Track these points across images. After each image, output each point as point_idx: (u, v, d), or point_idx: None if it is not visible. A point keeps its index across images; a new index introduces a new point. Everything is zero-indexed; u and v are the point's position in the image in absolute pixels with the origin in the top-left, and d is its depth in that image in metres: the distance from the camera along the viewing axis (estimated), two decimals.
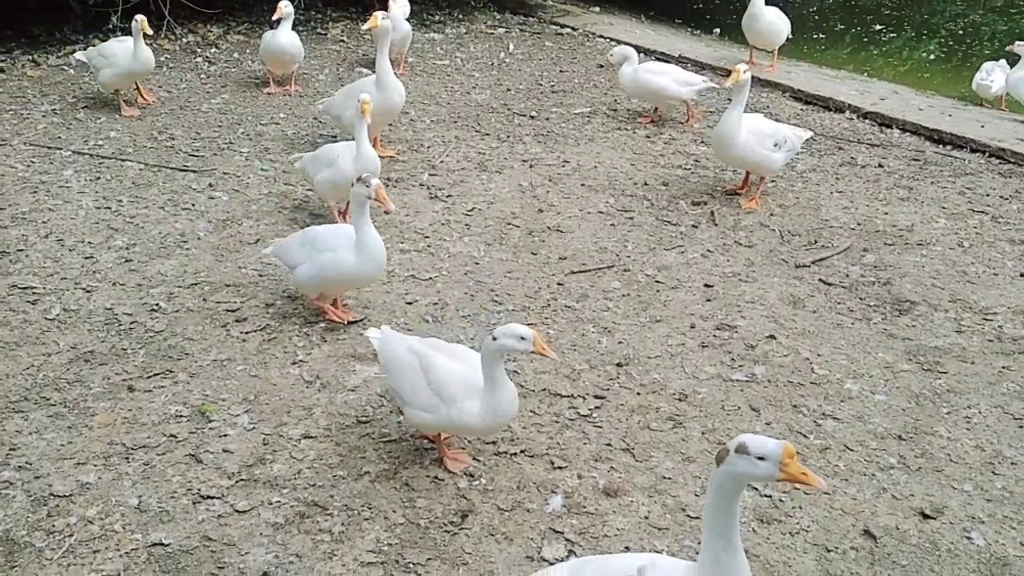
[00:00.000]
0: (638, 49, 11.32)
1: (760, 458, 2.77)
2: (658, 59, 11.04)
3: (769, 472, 2.78)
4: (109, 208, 6.89)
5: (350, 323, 5.51)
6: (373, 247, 5.17)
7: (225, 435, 4.53)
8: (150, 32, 8.40)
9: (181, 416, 4.66)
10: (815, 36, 13.33)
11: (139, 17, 8.24)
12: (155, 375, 4.99)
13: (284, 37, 9.11)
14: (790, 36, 10.34)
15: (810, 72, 10.92)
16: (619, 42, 11.56)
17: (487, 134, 8.63)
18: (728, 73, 10.37)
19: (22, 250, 6.24)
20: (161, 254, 6.27)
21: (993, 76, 9.86)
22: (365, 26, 7.47)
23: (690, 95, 8.79)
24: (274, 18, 9.10)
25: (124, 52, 8.40)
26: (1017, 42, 9.65)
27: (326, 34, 11.69)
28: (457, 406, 4.04)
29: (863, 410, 4.81)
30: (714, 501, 2.85)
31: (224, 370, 5.05)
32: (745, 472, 2.79)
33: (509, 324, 3.89)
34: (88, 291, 5.79)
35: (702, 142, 8.49)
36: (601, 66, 10.53)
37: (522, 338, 3.85)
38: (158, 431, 4.54)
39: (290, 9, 9.06)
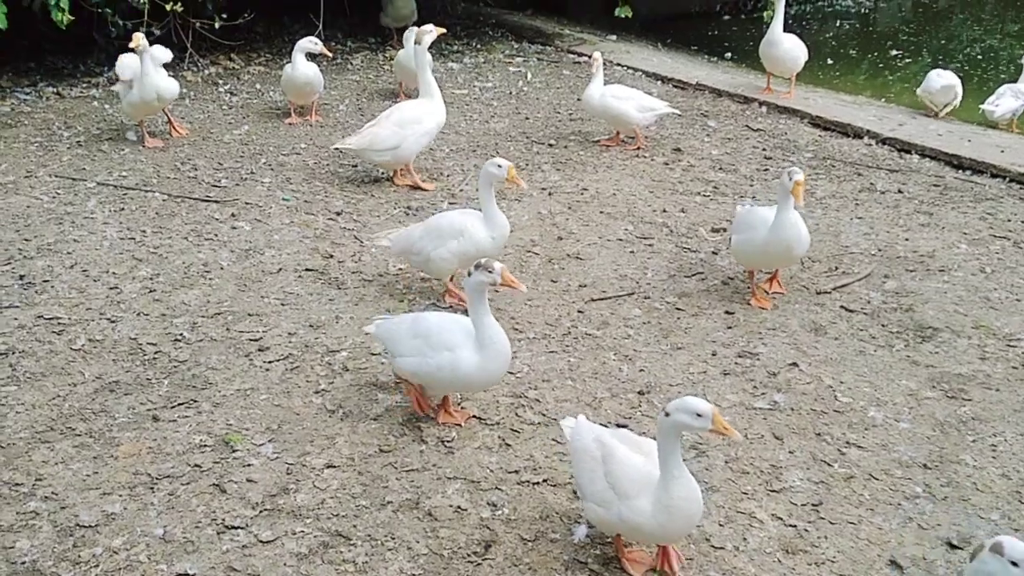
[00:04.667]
0: (656, 77, 11.42)
1: (1014, 563, 2.75)
2: (675, 86, 11.09)
3: None
4: (133, 239, 6.97)
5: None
6: (498, 343, 4.51)
7: (249, 465, 4.55)
8: (143, 45, 8.18)
9: (205, 446, 4.69)
10: (831, 62, 13.34)
11: (136, 35, 8.19)
12: (179, 405, 5.02)
13: (304, 68, 9.20)
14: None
15: (828, 98, 10.93)
16: (636, 70, 11.63)
17: None
18: (746, 100, 10.44)
19: (47, 281, 6.31)
20: (184, 284, 6.33)
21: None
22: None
23: (650, 121, 8.91)
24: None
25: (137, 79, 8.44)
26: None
27: (346, 65, 11.81)
28: (628, 503, 3.63)
29: (887, 438, 4.78)
30: None
31: (247, 399, 5.08)
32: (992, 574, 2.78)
33: (685, 398, 3.52)
34: (113, 321, 5.85)
35: (720, 168, 8.51)
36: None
37: (698, 415, 3.44)
38: (182, 461, 4.57)
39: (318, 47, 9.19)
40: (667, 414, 3.51)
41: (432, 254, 5.86)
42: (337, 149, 8.05)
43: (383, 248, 6.21)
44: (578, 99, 10.12)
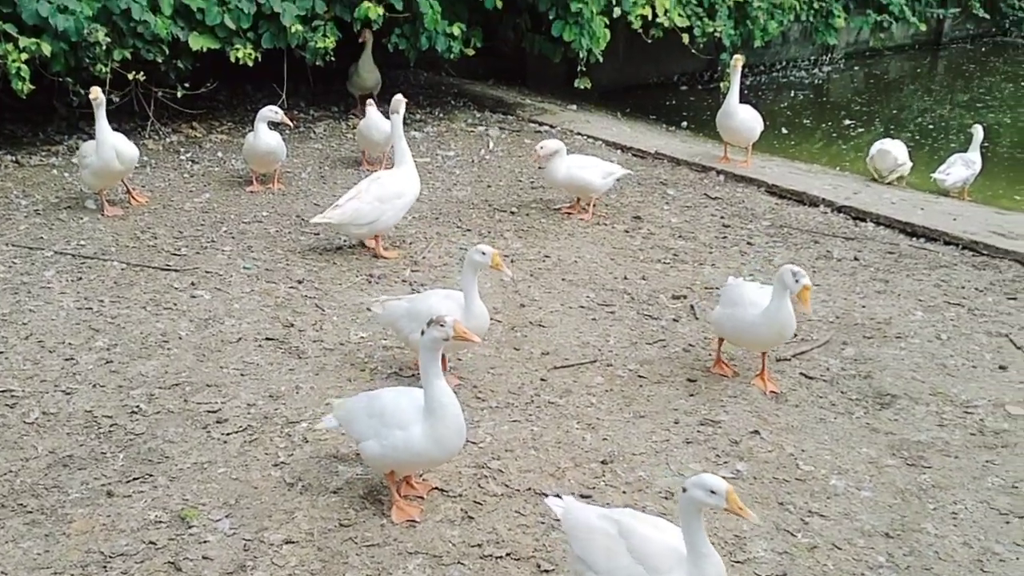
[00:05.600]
0: (615, 146, 11.58)
1: None
2: (635, 155, 11.25)
3: None
4: (90, 308, 6.88)
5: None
6: (448, 406, 4.41)
7: (205, 541, 4.45)
8: (101, 99, 8.21)
9: (161, 522, 4.58)
10: (786, 131, 13.63)
11: (94, 88, 8.23)
12: (134, 479, 4.92)
13: (266, 137, 9.24)
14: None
15: (784, 167, 11.14)
16: (596, 139, 11.80)
17: (468, 230, 8.72)
18: (703, 168, 10.60)
19: (1, 352, 6.20)
20: (142, 355, 6.24)
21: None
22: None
23: (610, 185, 9.13)
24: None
25: (93, 151, 8.44)
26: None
27: (309, 133, 11.87)
28: None
29: (849, 507, 4.79)
30: None
31: (204, 473, 4.99)
32: None
33: (702, 475, 3.56)
34: (68, 393, 5.74)
35: (680, 236, 8.61)
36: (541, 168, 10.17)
37: (712, 492, 3.48)
38: (137, 538, 4.46)
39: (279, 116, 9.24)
40: (684, 490, 3.53)
41: (410, 337, 5.80)
42: (316, 223, 7.95)
43: (374, 314, 6.18)
44: (540, 167, 10.23)
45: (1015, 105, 15.54)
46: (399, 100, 8.20)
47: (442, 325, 4.38)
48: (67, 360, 6.15)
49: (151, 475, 4.96)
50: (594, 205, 9.19)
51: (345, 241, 8.27)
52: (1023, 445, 5.35)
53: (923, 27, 17.81)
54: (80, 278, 7.41)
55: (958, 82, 17.72)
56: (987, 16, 19.24)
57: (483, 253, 5.63)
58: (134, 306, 6.95)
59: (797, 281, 5.40)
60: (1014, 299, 7.23)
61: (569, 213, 9.22)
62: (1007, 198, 10.79)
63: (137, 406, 5.62)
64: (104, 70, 9.81)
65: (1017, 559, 4.42)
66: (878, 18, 16.98)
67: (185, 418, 5.52)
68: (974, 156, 10.27)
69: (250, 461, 5.11)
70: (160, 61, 10.37)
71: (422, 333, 4.45)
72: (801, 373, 6.17)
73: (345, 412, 4.81)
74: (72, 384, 5.86)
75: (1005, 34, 20.56)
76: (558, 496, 4.21)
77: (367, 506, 4.73)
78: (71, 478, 4.92)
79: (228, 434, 5.36)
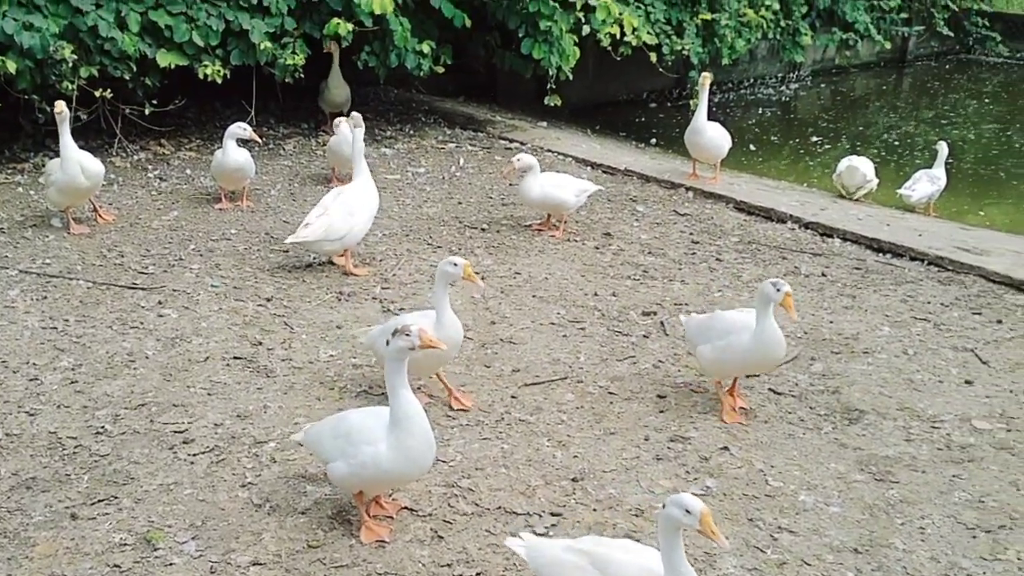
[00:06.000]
0: (585, 163, 11.63)
1: None
2: (604, 172, 11.29)
3: None
4: (55, 328, 6.80)
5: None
6: (414, 417, 4.32)
7: (171, 564, 4.40)
8: (66, 112, 8.14)
9: (126, 545, 4.52)
10: (754, 148, 13.74)
11: (58, 102, 8.21)
12: (99, 501, 4.86)
13: (235, 154, 9.19)
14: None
15: (752, 183, 11.21)
16: (566, 156, 11.84)
17: (439, 247, 8.71)
18: (673, 185, 10.66)
19: None
20: (108, 374, 6.17)
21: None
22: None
23: (583, 202, 9.17)
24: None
25: (58, 168, 8.38)
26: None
27: (278, 150, 11.83)
28: None
29: (818, 523, 4.81)
30: None
31: (171, 495, 4.93)
32: None
33: (682, 494, 3.56)
34: (32, 414, 5.66)
35: (649, 253, 8.64)
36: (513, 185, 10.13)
37: (687, 511, 3.47)
38: (101, 561, 4.40)
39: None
40: (663, 506, 3.54)
41: (383, 352, 5.76)
42: (289, 244, 7.87)
43: (358, 344, 6.20)
44: (511, 184, 10.24)
45: (979, 122, 15.77)
46: (358, 116, 8.41)
47: (407, 334, 4.30)
48: (31, 380, 6.06)
49: (116, 497, 4.90)
50: (565, 222, 9.21)
51: (314, 259, 8.23)
52: (989, 459, 5.40)
53: (888, 45, 18.06)
54: (45, 297, 7.32)
55: (923, 99, 17.95)
56: (951, 34, 19.51)
57: (455, 264, 5.58)
58: (100, 325, 6.88)
59: (779, 290, 5.37)
60: (979, 314, 7.32)
61: (540, 230, 9.23)
62: (972, 214, 10.94)
63: (102, 427, 5.55)
64: (71, 87, 9.73)
65: (984, 573, 4.45)
66: (844, 36, 17.19)
67: (151, 439, 5.45)
68: (939, 172, 10.41)
69: (217, 482, 5.05)
70: (128, 78, 10.29)
71: (387, 343, 4.36)
72: (770, 389, 6.20)
73: (313, 433, 4.75)
74: (36, 405, 5.78)
75: (969, 52, 20.86)
76: (517, 536, 4.15)
77: (336, 526, 4.70)
78: (34, 500, 4.85)
79: (195, 455, 5.30)
